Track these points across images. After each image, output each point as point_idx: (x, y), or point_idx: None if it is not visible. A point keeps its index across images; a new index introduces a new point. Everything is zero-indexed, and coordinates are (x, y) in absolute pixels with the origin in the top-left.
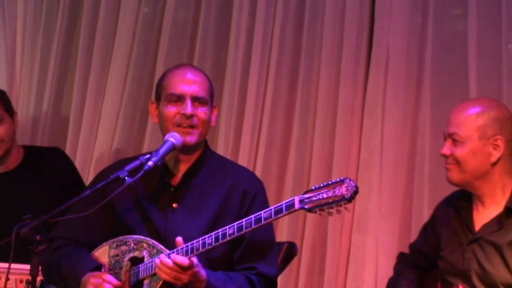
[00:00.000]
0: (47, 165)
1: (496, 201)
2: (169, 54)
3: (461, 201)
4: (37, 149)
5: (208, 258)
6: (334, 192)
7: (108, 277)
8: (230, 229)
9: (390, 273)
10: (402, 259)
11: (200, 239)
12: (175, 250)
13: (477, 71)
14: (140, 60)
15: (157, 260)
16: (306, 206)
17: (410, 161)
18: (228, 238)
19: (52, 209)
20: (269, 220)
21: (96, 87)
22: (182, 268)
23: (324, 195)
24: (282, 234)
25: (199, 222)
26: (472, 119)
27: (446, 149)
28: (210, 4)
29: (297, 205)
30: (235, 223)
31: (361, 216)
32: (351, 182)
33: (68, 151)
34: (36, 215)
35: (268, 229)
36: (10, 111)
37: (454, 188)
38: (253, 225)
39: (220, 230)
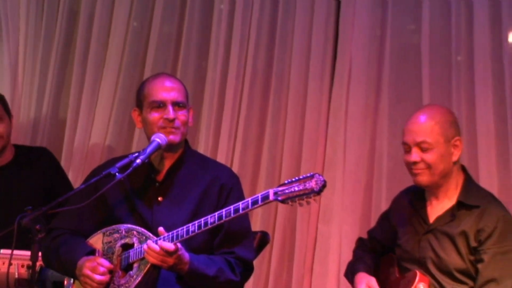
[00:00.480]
0: (35, 162)
1: (449, 195)
2: (156, 63)
3: (415, 195)
4: (26, 148)
5: (190, 246)
6: (305, 185)
7: (102, 260)
8: (211, 218)
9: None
10: (360, 244)
11: (184, 227)
12: (161, 237)
13: (429, 80)
14: (130, 69)
15: (145, 246)
16: (279, 198)
17: (370, 159)
18: (209, 226)
19: (39, 200)
20: (247, 210)
21: (90, 93)
22: (168, 253)
23: (296, 188)
24: (256, 224)
25: (182, 213)
26: (437, 127)
27: (416, 156)
28: (193, 19)
29: (271, 197)
30: (216, 213)
31: (326, 209)
32: (320, 177)
33: (64, 150)
34: (24, 206)
35: (245, 218)
36: (8, 112)
37: (410, 183)
38: (232, 215)
39: (202, 219)
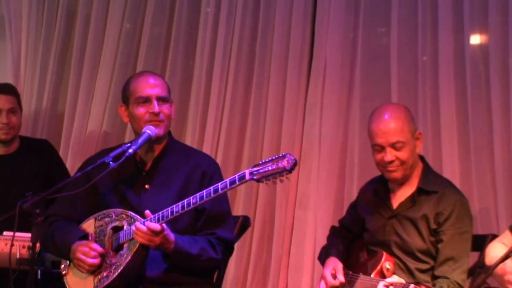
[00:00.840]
0: (38, 153)
1: (410, 183)
2: (146, 62)
3: (379, 185)
4: (30, 139)
5: (175, 229)
6: (277, 165)
7: (94, 245)
8: (193, 199)
9: (325, 241)
10: (333, 231)
11: (169, 208)
12: (148, 218)
13: (398, 78)
14: (123, 67)
15: (133, 227)
16: (255, 177)
17: (342, 151)
18: (192, 206)
19: (39, 187)
20: (225, 190)
21: (86, 89)
22: (155, 233)
23: (270, 168)
24: (238, 210)
25: (167, 198)
26: (405, 125)
27: (391, 156)
28: (180, 21)
29: (247, 177)
30: (197, 194)
31: (302, 196)
32: (291, 156)
33: (63, 140)
34: (26, 191)
35: (225, 202)
36: (20, 106)
37: (378, 173)
38: (212, 195)
39: (185, 200)
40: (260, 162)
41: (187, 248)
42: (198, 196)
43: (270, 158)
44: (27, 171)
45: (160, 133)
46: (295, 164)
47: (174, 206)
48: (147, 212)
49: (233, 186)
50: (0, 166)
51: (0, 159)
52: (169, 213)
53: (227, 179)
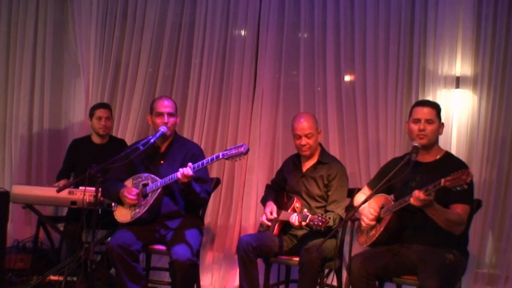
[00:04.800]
0: (117, 145)
1: (313, 158)
2: (161, 90)
3: (295, 158)
4: (114, 137)
5: (178, 187)
6: (238, 150)
7: (133, 189)
8: (196, 165)
9: (263, 193)
10: (268, 186)
11: (191, 165)
12: (188, 167)
13: (304, 100)
14: (148, 93)
15: (182, 170)
16: (225, 157)
17: (272, 141)
18: (196, 169)
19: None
20: (210, 162)
21: (126, 105)
22: (191, 176)
23: (233, 152)
24: (213, 174)
25: (173, 168)
26: (312, 124)
27: (304, 142)
28: (180, 67)
29: (221, 156)
30: (196, 164)
31: (250, 166)
32: (246, 145)
33: (113, 134)
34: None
35: (206, 172)
36: (112, 116)
37: (294, 152)
38: (203, 165)
39: (195, 164)
40: (227, 148)
41: (194, 187)
42: (196, 164)
43: (233, 146)
44: (110, 154)
45: (168, 133)
46: (248, 150)
47: (193, 165)
48: (190, 164)
49: (213, 161)
50: (98, 149)
51: (97, 146)
52: (193, 168)
53: (209, 157)
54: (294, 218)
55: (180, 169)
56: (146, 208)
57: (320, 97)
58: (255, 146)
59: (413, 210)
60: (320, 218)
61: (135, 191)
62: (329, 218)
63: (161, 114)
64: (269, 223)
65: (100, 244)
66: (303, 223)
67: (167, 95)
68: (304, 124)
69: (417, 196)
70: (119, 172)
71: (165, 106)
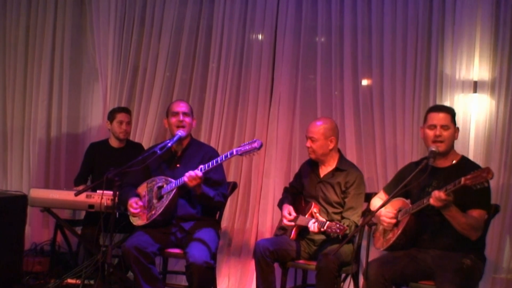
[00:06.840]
0: (134, 148)
1: (331, 164)
2: (179, 94)
3: (313, 163)
4: (131, 141)
5: (191, 193)
6: (251, 145)
7: (139, 201)
8: (206, 165)
9: (281, 196)
10: (286, 189)
11: (201, 166)
12: (198, 168)
13: (321, 105)
14: (165, 98)
15: (188, 173)
16: (239, 153)
17: (289, 145)
18: (210, 168)
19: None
20: (224, 160)
21: (143, 110)
22: (199, 177)
23: (247, 147)
24: (230, 178)
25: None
26: (321, 130)
27: (309, 144)
28: (198, 71)
29: (235, 153)
30: (209, 162)
31: (267, 169)
32: (259, 140)
33: (131, 137)
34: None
35: (222, 173)
36: (131, 120)
37: (307, 157)
38: (218, 163)
39: (205, 164)
40: (242, 144)
41: (207, 192)
42: (210, 163)
43: (247, 142)
44: (127, 158)
45: (184, 134)
46: (261, 145)
47: (203, 166)
48: (201, 166)
49: (227, 158)
50: (116, 152)
51: (115, 149)
52: (202, 169)
53: (223, 155)
54: (313, 226)
55: (187, 173)
56: (161, 210)
57: (337, 102)
58: (272, 150)
59: (430, 214)
60: (338, 225)
61: (140, 203)
62: (347, 226)
63: (176, 114)
64: (292, 223)
65: (117, 247)
66: (322, 229)
67: (184, 99)
68: (312, 127)
69: (437, 196)
70: (135, 177)
71: (180, 106)
